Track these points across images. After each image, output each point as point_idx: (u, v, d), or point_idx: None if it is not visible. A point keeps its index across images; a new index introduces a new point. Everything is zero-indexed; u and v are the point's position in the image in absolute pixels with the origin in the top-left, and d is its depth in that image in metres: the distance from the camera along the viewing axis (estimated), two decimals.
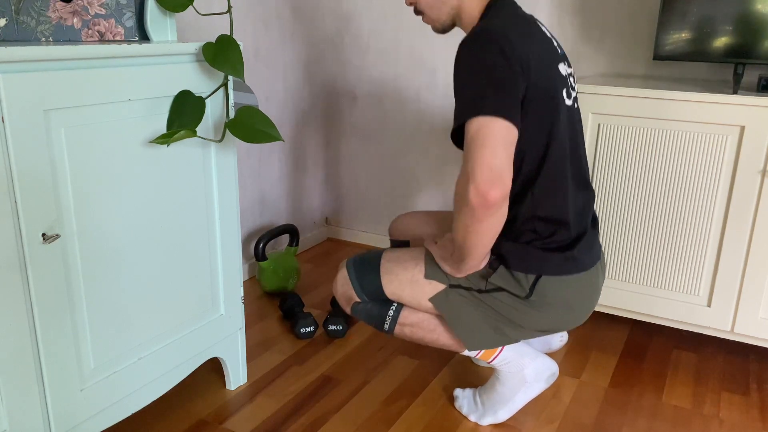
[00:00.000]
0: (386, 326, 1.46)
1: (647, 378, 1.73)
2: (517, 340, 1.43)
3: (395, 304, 1.46)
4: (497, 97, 1.16)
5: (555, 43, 1.35)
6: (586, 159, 1.39)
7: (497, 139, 1.14)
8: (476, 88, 1.18)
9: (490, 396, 1.52)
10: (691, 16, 1.73)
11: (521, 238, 1.33)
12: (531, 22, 1.32)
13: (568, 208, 1.33)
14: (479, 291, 1.36)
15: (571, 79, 1.36)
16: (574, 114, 1.36)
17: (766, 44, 1.66)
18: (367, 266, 1.47)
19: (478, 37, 1.21)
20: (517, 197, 1.31)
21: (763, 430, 1.53)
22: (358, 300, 1.48)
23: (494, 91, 1.17)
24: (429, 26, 2.36)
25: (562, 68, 1.32)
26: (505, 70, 1.18)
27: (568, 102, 1.32)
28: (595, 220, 1.44)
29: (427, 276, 1.39)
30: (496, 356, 1.46)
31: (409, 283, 1.41)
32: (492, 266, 1.35)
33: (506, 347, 1.46)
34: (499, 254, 1.34)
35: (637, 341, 1.93)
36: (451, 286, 1.38)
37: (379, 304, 1.47)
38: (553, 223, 1.32)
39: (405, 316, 1.45)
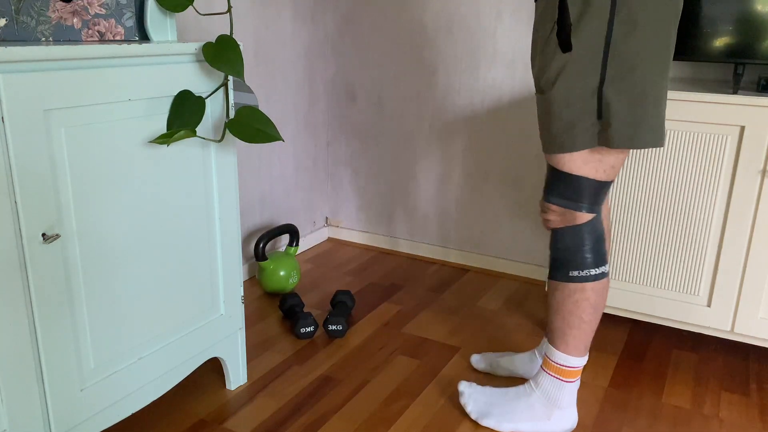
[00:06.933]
0: (573, 273, 1.33)
1: (647, 378, 1.73)
2: (660, 91, 1.29)
3: (605, 267, 1.34)
4: None
5: None
6: None
7: None
8: None
9: (507, 403, 1.49)
10: (692, 16, 1.72)
11: None
12: None
13: None
14: (602, 75, 1.22)
15: None
16: None
17: (766, 44, 1.66)
18: (558, 182, 1.33)
19: None
20: None
21: (763, 430, 1.53)
22: (582, 221, 1.31)
23: None
24: (429, 26, 2.37)
25: None
26: None
27: None
28: None
29: (572, 148, 1.27)
30: (560, 375, 1.42)
31: (586, 161, 1.28)
32: (564, 44, 1.23)
33: (572, 386, 1.44)
34: None
35: (637, 341, 1.93)
36: (594, 125, 1.25)
37: (596, 249, 1.32)
38: None
39: (595, 288, 1.33)
